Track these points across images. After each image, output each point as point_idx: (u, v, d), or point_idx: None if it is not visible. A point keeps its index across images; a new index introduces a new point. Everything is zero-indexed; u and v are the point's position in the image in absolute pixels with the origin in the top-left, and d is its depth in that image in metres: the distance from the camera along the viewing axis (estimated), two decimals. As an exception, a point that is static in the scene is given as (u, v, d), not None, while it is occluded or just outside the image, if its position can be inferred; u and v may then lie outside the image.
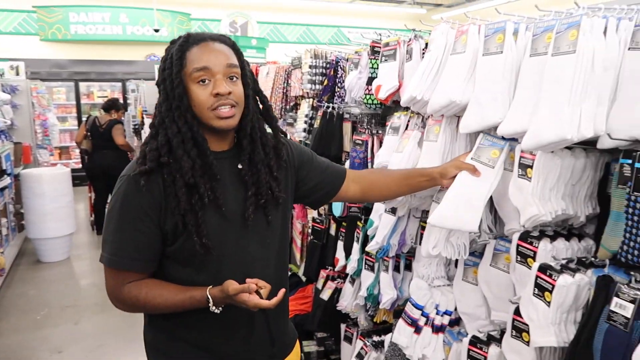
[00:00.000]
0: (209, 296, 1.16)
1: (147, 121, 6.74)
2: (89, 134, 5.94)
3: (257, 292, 1.15)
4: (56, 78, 9.55)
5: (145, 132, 6.73)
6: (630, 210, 1.05)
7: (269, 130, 1.36)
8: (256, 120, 1.29)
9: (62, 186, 5.22)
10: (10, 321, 3.84)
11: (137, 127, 7.48)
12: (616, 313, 1.06)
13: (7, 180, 4.99)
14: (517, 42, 1.33)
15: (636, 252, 1.04)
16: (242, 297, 1.13)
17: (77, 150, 9.65)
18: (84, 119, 6.96)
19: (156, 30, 9.10)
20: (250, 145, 1.26)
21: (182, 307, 1.20)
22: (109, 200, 5.92)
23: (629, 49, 1.11)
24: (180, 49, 1.17)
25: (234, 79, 1.20)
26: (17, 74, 7.66)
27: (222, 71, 1.17)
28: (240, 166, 1.27)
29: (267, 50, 10.29)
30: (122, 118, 6.42)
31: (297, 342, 1.52)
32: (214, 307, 1.17)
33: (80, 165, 9.38)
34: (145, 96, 7.58)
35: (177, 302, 1.19)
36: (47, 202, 5.03)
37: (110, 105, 6.03)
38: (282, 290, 1.19)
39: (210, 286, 1.18)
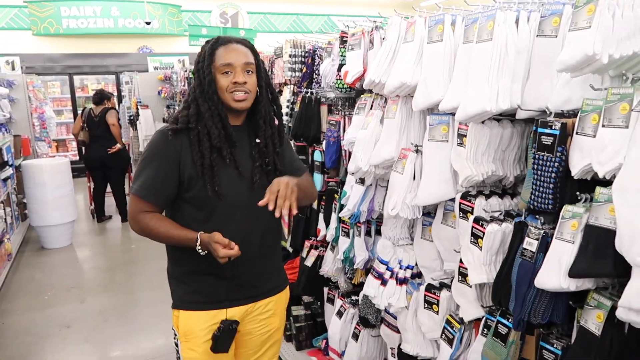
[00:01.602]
0: (199, 238, 1.47)
1: (142, 112, 6.95)
2: (85, 125, 6.13)
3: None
4: (50, 72, 9.72)
5: (140, 122, 6.94)
6: (535, 166, 1.30)
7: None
8: (268, 105, 1.64)
9: (62, 176, 5.42)
10: (20, 302, 4.09)
11: (132, 117, 7.67)
12: (526, 249, 1.33)
13: (9, 171, 5.21)
14: (455, 31, 1.58)
15: (540, 200, 1.30)
16: (217, 246, 1.42)
17: (74, 143, 9.87)
18: (79, 111, 7.14)
19: (147, 23, 9.24)
20: (264, 124, 1.61)
21: (177, 240, 1.52)
22: (108, 189, 5.99)
23: (537, 36, 1.36)
24: (211, 48, 1.54)
25: (250, 72, 1.56)
26: (13, 68, 7.85)
27: (240, 66, 1.53)
28: (258, 140, 1.62)
29: (255, 40, 10.45)
30: (117, 107, 6.59)
31: (287, 288, 1.79)
32: (199, 248, 1.47)
33: (77, 158, 9.59)
34: (139, 88, 7.75)
35: (174, 235, 1.51)
36: (48, 191, 5.24)
37: (100, 98, 6.16)
38: (235, 245, 1.45)
39: (202, 232, 1.48)
